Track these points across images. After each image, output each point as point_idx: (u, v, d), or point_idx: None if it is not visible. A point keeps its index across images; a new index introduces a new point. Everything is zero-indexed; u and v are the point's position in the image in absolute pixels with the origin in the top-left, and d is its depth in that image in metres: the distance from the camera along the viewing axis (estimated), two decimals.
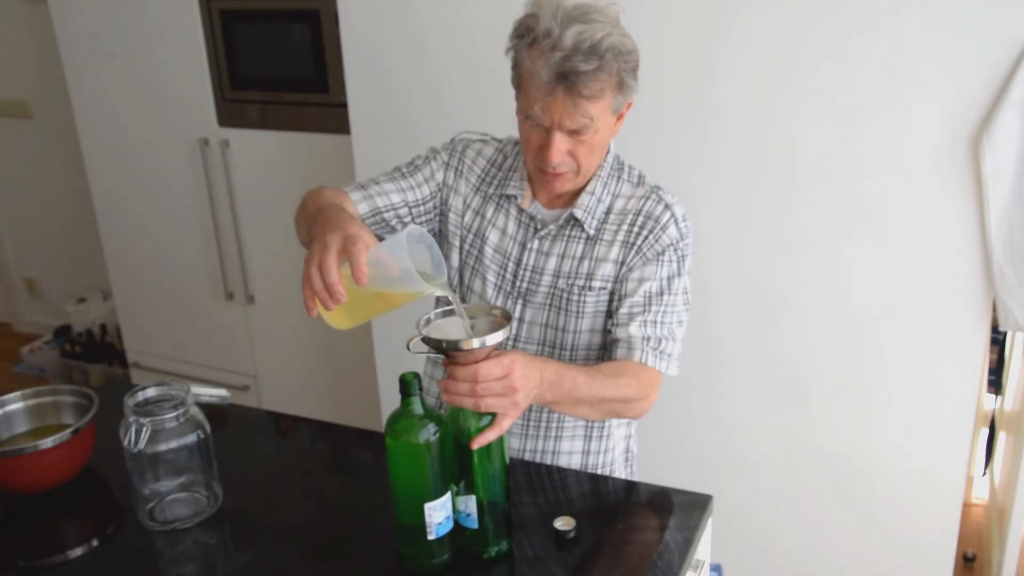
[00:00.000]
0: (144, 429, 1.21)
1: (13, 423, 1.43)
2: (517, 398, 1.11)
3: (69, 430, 1.32)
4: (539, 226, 1.41)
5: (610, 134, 1.32)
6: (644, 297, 1.35)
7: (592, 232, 1.38)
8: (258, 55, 2.50)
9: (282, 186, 2.55)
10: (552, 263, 1.39)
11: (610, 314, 1.38)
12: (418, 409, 1.10)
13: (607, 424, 1.48)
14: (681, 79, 1.82)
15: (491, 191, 1.44)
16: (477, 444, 1.10)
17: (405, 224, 1.43)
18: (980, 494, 2.65)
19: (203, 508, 1.28)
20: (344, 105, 2.23)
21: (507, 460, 1.16)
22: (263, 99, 2.53)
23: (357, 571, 1.19)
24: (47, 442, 1.29)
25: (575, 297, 1.38)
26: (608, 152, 1.39)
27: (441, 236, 1.49)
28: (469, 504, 1.13)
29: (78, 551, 1.25)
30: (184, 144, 2.68)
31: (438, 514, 1.12)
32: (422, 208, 1.44)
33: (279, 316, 2.75)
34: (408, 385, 1.09)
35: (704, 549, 1.29)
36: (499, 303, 1.42)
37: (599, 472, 1.48)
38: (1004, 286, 1.68)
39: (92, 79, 2.75)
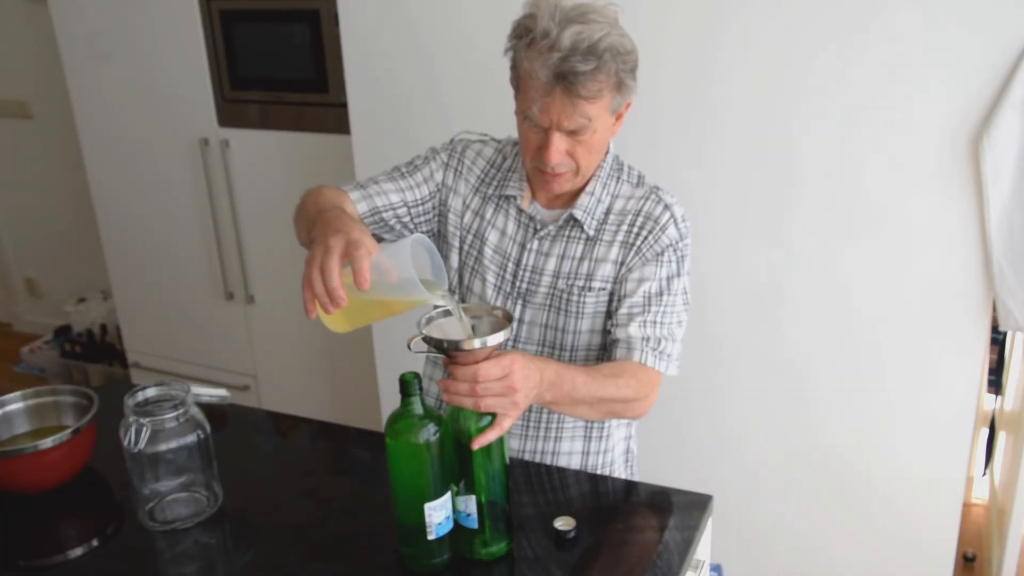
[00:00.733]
0: (144, 429, 1.21)
1: (13, 423, 1.43)
2: (517, 398, 1.11)
3: (69, 430, 1.32)
4: (538, 226, 1.41)
5: (609, 134, 1.32)
6: (643, 297, 1.35)
7: (592, 233, 1.38)
8: (258, 55, 2.50)
9: (282, 186, 2.55)
10: (552, 263, 1.39)
11: (609, 314, 1.38)
12: (418, 409, 1.10)
13: (607, 424, 1.48)
14: (680, 79, 1.82)
15: (490, 192, 1.44)
16: (477, 444, 1.10)
17: (404, 224, 1.43)
18: (980, 494, 2.65)
19: (203, 508, 1.28)
20: (344, 105, 2.23)
21: (507, 460, 1.17)
22: (263, 99, 2.53)
23: (357, 571, 1.19)
24: (47, 442, 1.29)
25: (575, 297, 1.38)
26: (607, 152, 1.39)
27: (440, 237, 1.49)
28: (469, 504, 1.13)
29: (78, 551, 1.25)
30: (184, 144, 2.68)
31: (438, 514, 1.12)
32: (421, 208, 1.44)
33: (279, 316, 2.75)
34: (408, 385, 1.09)
35: (704, 549, 1.29)
36: (499, 303, 1.42)
37: (599, 472, 1.48)
38: (1004, 286, 1.68)
39: (92, 79, 2.76)
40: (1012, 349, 2.36)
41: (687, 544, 1.21)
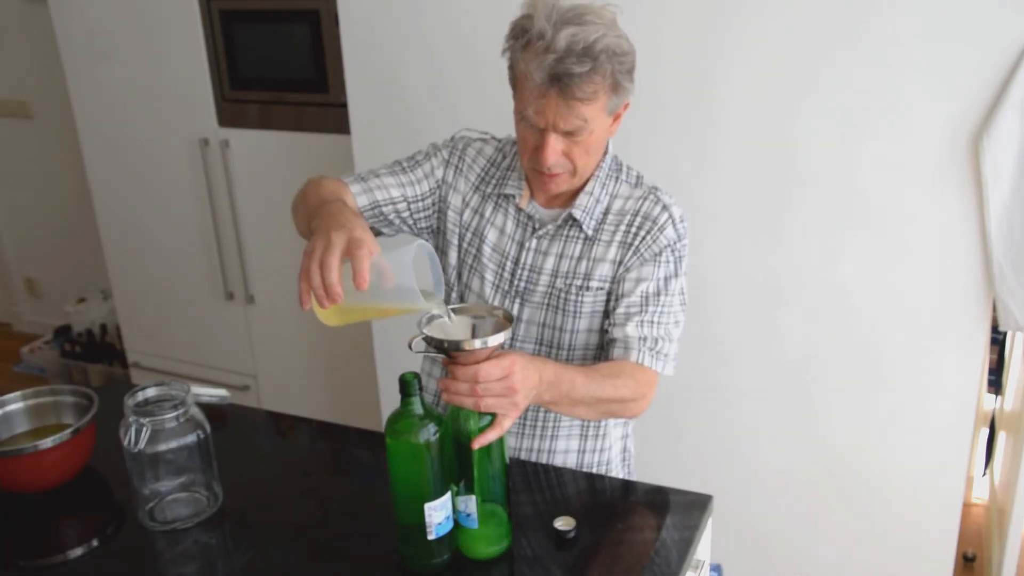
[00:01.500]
0: (144, 429, 1.21)
1: (13, 423, 1.43)
2: (517, 399, 1.11)
3: (69, 430, 1.32)
4: (537, 226, 1.41)
5: (606, 135, 1.32)
6: (641, 297, 1.35)
7: (590, 232, 1.38)
8: (258, 55, 2.50)
9: (282, 186, 2.53)
10: (550, 263, 1.40)
11: (607, 314, 1.38)
12: (418, 409, 1.10)
13: (603, 423, 1.48)
14: (680, 79, 1.82)
15: (490, 190, 1.44)
16: (477, 444, 1.10)
17: (403, 219, 1.43)
18: (980, 494, 2.65)
19: (203, 508, 1.28)
20: (344, 105, 2.24)
21: (507, 460, 1.17)
22: (263, 99, 2.53)
23: (357, 571, 1.19)
24: (47, 442, 1.29)
25: (572, 297, 1.38)
26: (606, 152, 1.39)
27: (439, 233, 1.49)
28: (469, 504, 1.13)
29: (78, 551, 1.25)
30: (184, 144, 2.68)
31: (438, 514, 1.12)
32: (421, 204, 1.44)
33: (279, 316, 2.75)
34: (408, 385, 1.09)
35: (704, 549, 1.29)
36: (497, 302, 1.42)
37: (596, 471, 1.48)
38: (1004, 286, 1.68)
39: (92, 79, 2.76)
40: (1012, 349, 2.36)
41: (687, 544, 1.21)
